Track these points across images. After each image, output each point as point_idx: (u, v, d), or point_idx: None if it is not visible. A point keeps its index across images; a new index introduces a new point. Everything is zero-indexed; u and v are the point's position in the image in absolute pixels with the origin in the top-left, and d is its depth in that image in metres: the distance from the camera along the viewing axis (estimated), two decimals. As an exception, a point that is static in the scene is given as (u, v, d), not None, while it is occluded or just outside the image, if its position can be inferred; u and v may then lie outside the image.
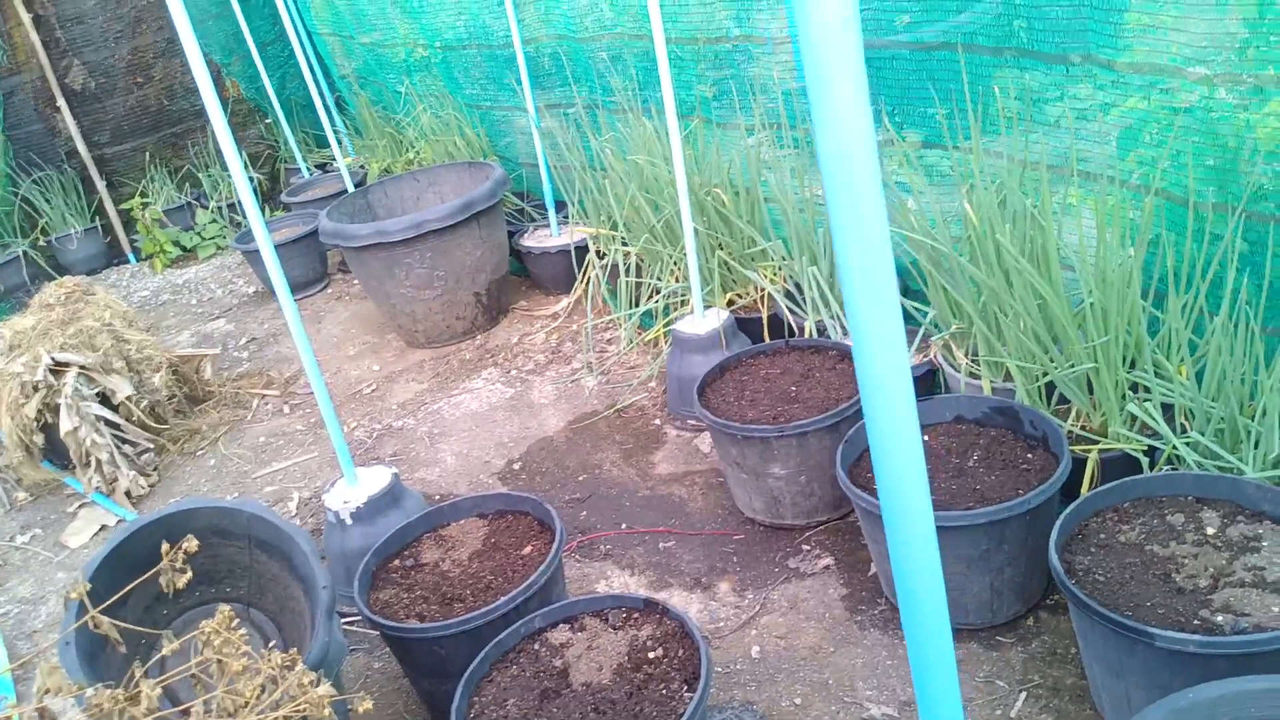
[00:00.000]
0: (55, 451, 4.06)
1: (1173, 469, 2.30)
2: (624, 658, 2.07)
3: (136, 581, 1.84)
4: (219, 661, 1.54)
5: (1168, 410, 2.41)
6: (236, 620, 1.63)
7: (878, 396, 0.76)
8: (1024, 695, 2.19)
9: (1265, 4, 2.20)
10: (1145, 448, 2.39)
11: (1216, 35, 2.31)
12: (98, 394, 3.99)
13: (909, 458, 0.77)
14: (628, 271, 4.11)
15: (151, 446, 4.12)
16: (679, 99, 3.99)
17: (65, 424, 3.82)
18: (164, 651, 1.69)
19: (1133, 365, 2.50)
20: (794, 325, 3.42)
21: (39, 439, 3.94)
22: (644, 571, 2.89)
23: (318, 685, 1.47)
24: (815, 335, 3.32)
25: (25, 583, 3.59)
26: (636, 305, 4.10)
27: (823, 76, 0.63)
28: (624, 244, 4.17)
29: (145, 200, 7.30)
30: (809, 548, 2.81)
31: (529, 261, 4.97)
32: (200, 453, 4.22)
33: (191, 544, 1.80)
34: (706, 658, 1.96)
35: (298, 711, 1.44)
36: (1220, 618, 1.84)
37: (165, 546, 1.82)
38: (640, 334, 4.14)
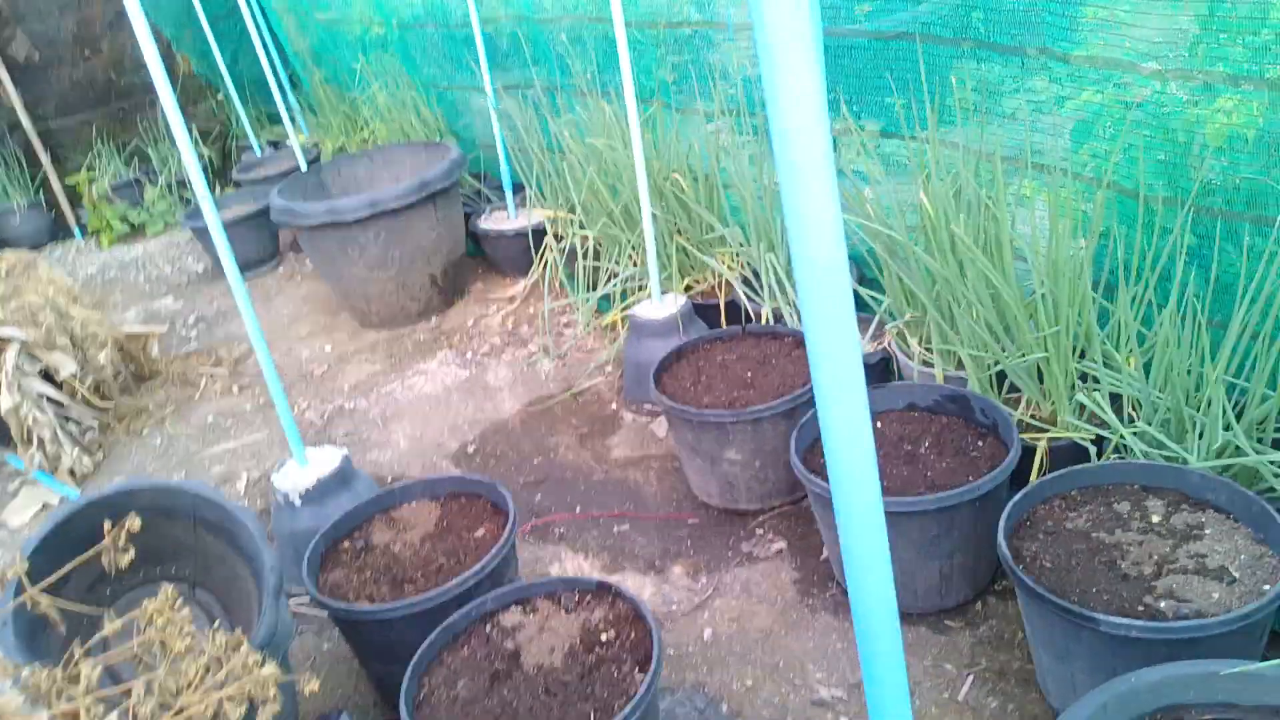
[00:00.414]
0: (-5, 429, 3.96)
1: (1120, 458, 2.34)
2: (576, 640, 2.06)
3: (77, 560, 1.80)
4: (162, 642, 1.51)
5: (1116, 400, 2.44)
6: (180, 600, 1.60)
7: (829, 381, 0.75)
8: (971, 678, 2.22)
9: (1216, 2, 2.24)
10: (1093, 437, 2.43)
11: (1169, 31, 2.34)
12: (40, 371, 3.89)
13: (859, 443, 0.77)
14: (585, 255, 4.09)
15: (96, 424, 4.04)
16: (639, 83, 3.97)
17: (6, 401, 3.73)
18: (105, 631, 1.65)
19: (1082, 355, 2.54)
20: (751, 312, 3.43)
21: (-22, 416, 3.84)
22: (598, 555, 2.88)
23: (263, 665, 1.44)
24: (772, 322, 3.33)
25: (-38, 563, 3.50)
26: (594, 289, 4.08)
27: (775, 50, 0.62)
28: (582, 228, 4.15)
29: (92, 175, 7.13)
30: (762, 532, 2.82)
31: (486, 244, 4.93)
32: (146, 432, 4.13)
33: (134, 523, 1.76)
34: (658, 640, 1.96)
35: (242, 691, 1.41)
36: (1163, 604, 1.87)
37: (107, 525, 1.78)
38: (598, 318, 4.13)
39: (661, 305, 3.46)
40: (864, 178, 3.14)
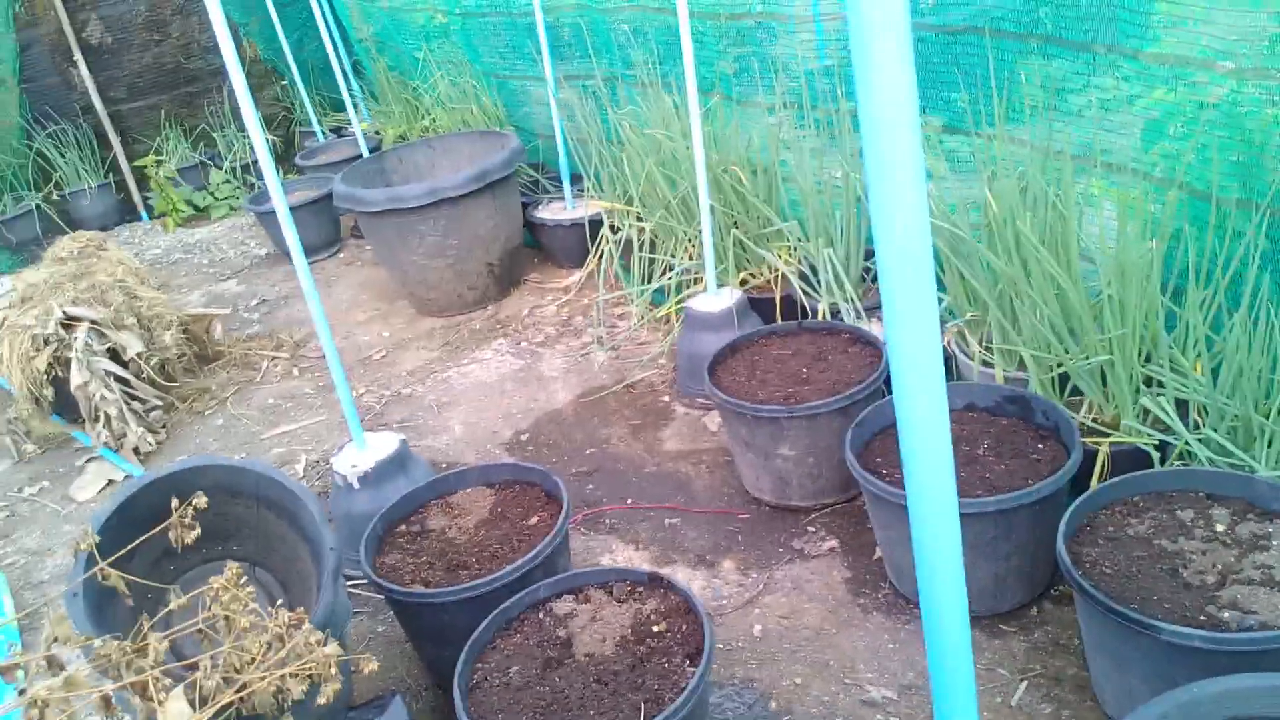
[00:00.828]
0: (65, 405, 4.08)
1: (1184, 465, 2.29)
2: (627, 630, 2.07)
3: (146, 535, 1.85)
4: (226, 618, 1.55)
5: (1181, 406, 2.39)
6: (244, 577, 1.64)
7: (909, 378, 0.75)
8: (1025, 684, 2.20)
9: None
10: (1157, 442, 2.38)
11: (1246, 29, 2.28)
12: (108, 350, 3.99)
13: (937, 443, 0.77)
14: (641, 247, 4.09)
15: (160, 404, 4.13)
16: (699, 75, 3.96)
17: (75, 378, 3.83)
18: (171, 606, 1.70)
19: (1148, 359, 2.49)
20: (807, 307, 3.41)
21: (49, 392, 3.95)
22: (648, 547, 2.89)
23: (325, 644, 1.47)
24: (829, 318, 3.31)
25: (32, 534, 3.61)
26: (649, 281, 4.08)
27: (867, 39, 0.62)
28: (639, 219, 4.15)
29: (159, 158, 7.29)
30: (814, 529, 2.81)
31: (542, 234, 4.96)
32: (209, 412, 4.23)
33: (201, 500, 1.81)
34: (710, 633, 1.96)
35: (304, 669, 1.45)
36: (1227, 614, 1.83)
37: (175, 502, 1.83)
38: (652, 310, 4.13)
39: (717, 298, 3.45)
40: (928, 174, 3.10)
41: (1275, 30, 2.25)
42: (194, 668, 1.55)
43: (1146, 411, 2.44)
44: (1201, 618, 1.84)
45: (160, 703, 1.39)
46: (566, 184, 4.87)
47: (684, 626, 2.06)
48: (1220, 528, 2.04)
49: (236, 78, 2.45)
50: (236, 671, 1.52)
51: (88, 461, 3.97)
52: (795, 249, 3.62)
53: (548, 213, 4.92)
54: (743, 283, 3.78)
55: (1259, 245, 2.28)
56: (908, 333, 0.73)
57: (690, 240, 3.91)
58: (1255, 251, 2.27)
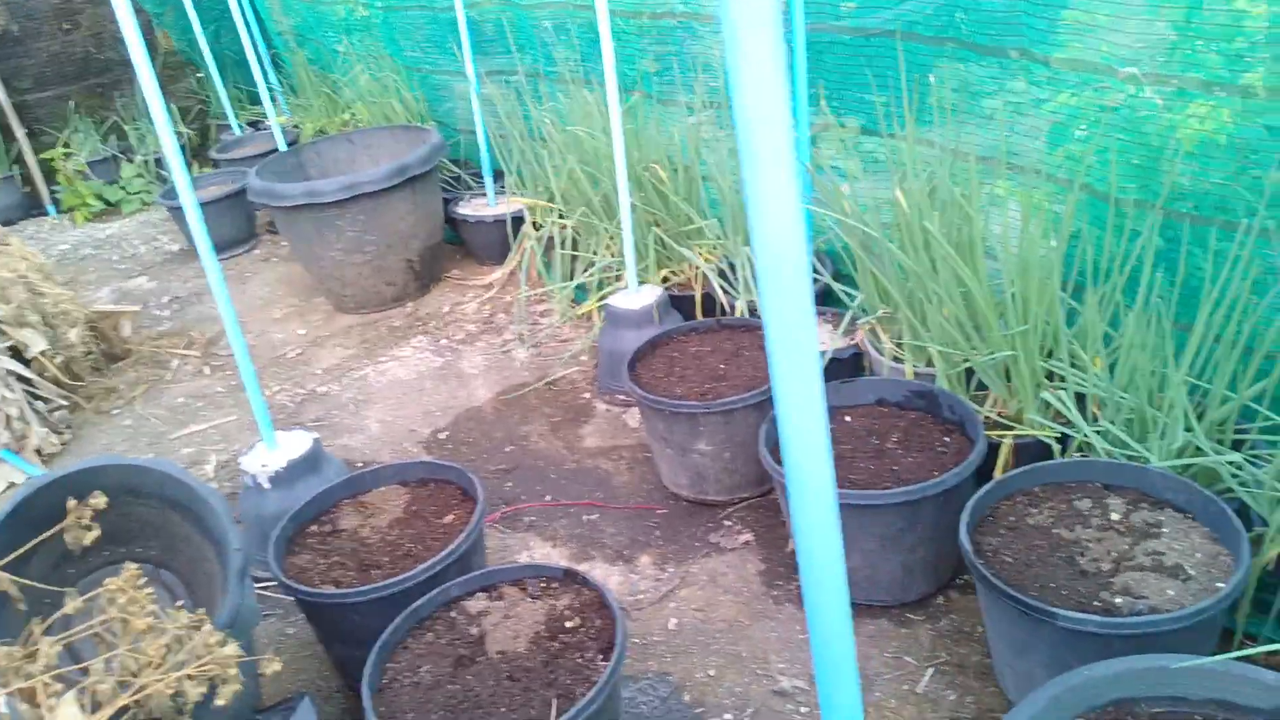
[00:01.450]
0: (-38, 405, 3.92)
1: (1083, 456, 2.37)
2: (541, 627, 2.07)
3: (40, 537, 1.79)
4: (123, 620, 1.51)
5: (1081, 399, 2.47)
6: (143, 579, 1.60)
7: (785, 370, 0.76)
8: (931, 671, 2.25)
9: (1193, 8, 2.26)
10: (1058, 435, 2.45)
11: (1147, 37, 2.36)
12: (9, 348, 3.85)
13: (814, 435, 0.78)
14: (563, 244, 4.09)
15: (65, 403, 4.00)
16: (621, 73, 3.96)
17: (-27, 377, 3.69)
18: (66, 609, 1.65)
19: (1050, 354, 2.56)
20: (726, 304, 3.44)
21: (-55, 392, 3.80)
22: (567, 543, 2.89)
23: (224, 645, 1.44)
24: (747, 315, 3.34)
25: (-74, 539, 3.47)
26: (571, 278, 4.08)
27: (740, 36, 0.63)
28: (561, 216, 4.15)
29: (68, 151, 7.05)
30: (730, 523, 2.84)
31: (464, 230, 4.92)
32: (116, 412, 4.11)
33: (99, 500, 1.76)
34: (622, 628, 1.97)
35: (203, 671, 1.42)
36: (1120, 600, 1.90)
37: (71, 503, 1.78)
38: (574, 308, 4.13)
39: (638, 296, 3.46)
40: (842, 174, 3.16)
41: (1174, 38, 2.34)
42: (88, 672, 1.51)
43: (1048, 405, 2.51)
44: (1096, 603, 1.90)
45: (50, 709, 1.35)
46: (489, 180, 4.84)
47: (598, 622, 2.06)
48: (1115, 516, 2.11)
49: (144, 70, 2.38)
50: (134, 675, 1.48)
51: (-12, 463, 3.83)
52: (715, 247, 3.65)
53: (470, 209, 4.88)
54: (664, 280, 3.80)
55: (1154, 244, 2.36)
56: (783, 331, 0.74)
57: (612, 237, 3.92)
58: (1150, 250, 2.35)
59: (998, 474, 2.43)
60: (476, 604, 2.16)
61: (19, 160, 7.20)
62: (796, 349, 0.74)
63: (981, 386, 2.69)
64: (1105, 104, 2.50)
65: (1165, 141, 2.37)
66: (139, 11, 7.36)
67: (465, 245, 5.05)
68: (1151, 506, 2.12)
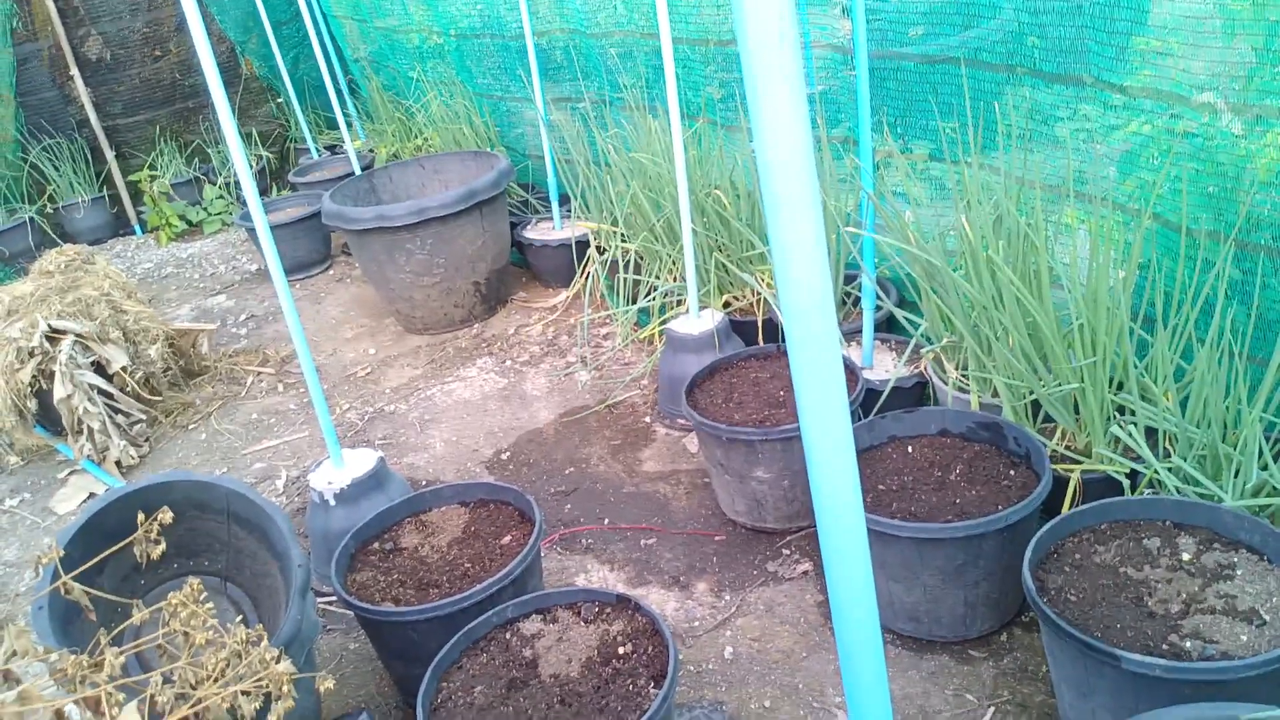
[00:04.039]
0: (48, 418, 4.08)
1: (1154, 493, 2.30)
2: (594, 651, 2.08)
3: (110, 550, 1.85)
4: (184, 633, 1.55)
5: (1151, 434, 2.41)
6: (205, 593, 1.64)
7: (809, 398, 0.76)
8: (992, 710, 2.20)
9: (1272, 35, 2.21)
10: (1127, 470, 2.39)
11: (1223, 64, 2.31)
12: (93, 363, 4.00)
13: (843, 474, 0.78)
14: (626, 268, 4.12)
15: (144, 418, 4.14)
16: (686, 99, 4.00)
17: (59, 391, 3.84)
18: (133, 620, 1.70)
19: (1119, 388, 2.50)
20: (788, 330, 3.42)
21: (32, 404, 3.95)
22: (624, 567, 2.89)
23: (279, 662, 1.47)
24: (808, 341, 3.32)
25: (11, 546, 3.60)
26: (634, 302, 4.10)
27: (760, 89, 0.64)
28: (624, 240, 4.18)
29: (154, 173, 7.32)
30: (789, 552, 2.82)
31: (530, 254, 4.98)
32: (192, 426, 4.23)
33: (166, 515, 1.80)
34: (674, 655, 1.96)
35: (258, 686, 1.45)
36: (1189, 643, 1.84)
37: (140, 517, 1.83)
38: (636, 331, 4.15)
39: (699, 320, 3.47)
40: (906, 200, 3.13)
41: (1253, 64, 2.28)
42: (151, 683, 1.55)
43: (1117, 440, 2.45)
44: (1164, 646, 1.84)
45: (112, 718, 1.39)
46: (555, 204, 4.90)
47: (650, 648, 2.06)
48: (1186, 556, 2.04)
49: (218, 96, 2.47)
50: (193, 687, 1.52)
51: (69, 474, 3.97)
52: (778, 273, 3.64)
53: (536, 233, 4.94)
54: (725, 305, 3.80)
55: (1228, 275, 2.30)
56: (811, 381, 0.74)
57: (674, 262, 3.93)
58: (1224, 282, 2.29)
59: (1065, 510, 2.38)
60: (531, 626, 2.18)
61: (108, 182, 7.49)
62: (821, 378, 0.74)
63: (1048, 419, 2.64)
64: (1178, 131, 2.44)
65: (1241, 170, 2.31)
66: (223, 40, 7.63)
67: (531, 268, 5.11)
68: (1224, 547, 2.05)
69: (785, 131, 0.64)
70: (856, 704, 0.89)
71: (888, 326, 3.37)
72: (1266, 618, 1.86)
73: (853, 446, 0.78)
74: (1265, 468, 2.13)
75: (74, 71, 7.22)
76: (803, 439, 0.79)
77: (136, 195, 7.44)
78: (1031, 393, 2.58)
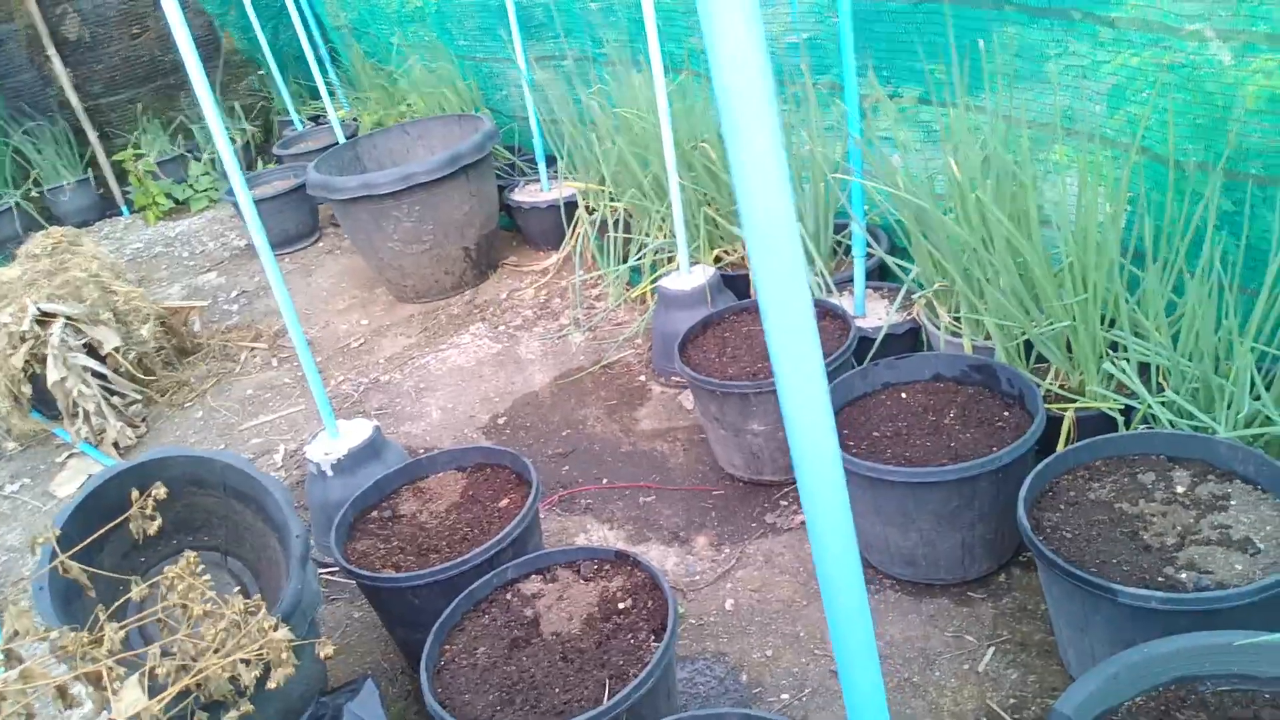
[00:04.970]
0: (44, 402, 4.07)
1: (1148, 428, 2.30)
2: (594, 608, 2.09)
3: (106, 527, 1.85)
4: (182, 606, 1.55)
5: (1144, 370, 2.40)
6: (202, 567, 1.64)
7: (780, 337, 0.75)
8: (992, 650, 2.21)
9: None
10: (1121, 407, 2.39)
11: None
12: (85, 345, 3.99)
13: (816, 417, 0.77)
14: (616, 227, 4.09)
15: (139, 398, 4.13)
16: (669, 52, 3.94)
17: (52, 374, 3.83)
18: (131, 595, 1.71)
19: (1111, 324, 2.50)
20: (779, 282, 3.40)
21: (27, 389, 3.94)
22: (623, 525, 2.90)
23: (277, 630, 1.48)
24: (800, 292, 3.30)
25: (13, 531, 3.62)
26: (624, 261, 4.08)
27: (715, 13, 0.62)
28: (612, 199, 4.15)
29: (138, 152, 7.25)
30: (786, 503, 2.82)
31: (519, 216, 4.94)
32: (188, 405, 4.23)
33: (160, 491, 1.81)
34: (674, 609, 1.97)
35: (257, 655, 1.46)
36: (1184, 575, 1.85)
37: (135, 493, 1.83)
38: (628, 290, 4.13)
39: (689, 276, 3.45)
40: (894, 145, 3.10)
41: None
42: (151, 656, 1.56)
43: (1110, 376, 2.45)
44: (1160, 579, 1.85)
45: (114, 691, 1.40)
46: (542, 166, 4.85)
47: (650, 603, 2.07)
48: (1180, 489, 2.05)
49: (195, 72, 2.43)
50: (193, 659, 1.53)
51: (68, 457, 3.97)
52: (767, 225, 3.61)
53: (524, 195, 4.91)
54: (716, 260, 3.78)
55: (1218, 207, 2.28)
56: (778, 314, 0.73)
57: (663, 218, 3.91)
58: (1213, 213, 2.27)
59: (1060, 448, 2.38)
60: (531, 586, 2.19)
61: (92, 163, 7.43)
62: (790, 316, 0.73)
63: (1042, 359, 2.63)
64: (1165, 63, 2.41)
65: (1229, 100, 2.29)
66: (201, 13, 7.53)
67: (521, 231, 5.08)
68: (1219, 478, 2.05)
69: (742, 56, 0.62)
70: (841, 638, 0.90)
71: (879, 275, 3.35)
72: (1261, 546, 1.86)
73: (825, 387, 0.78)
74: (1258, 398, 2.13)
75: (51, 52, 7.12)
76: (774, 371, 0.78)
77: (122, 175, 7.38)
78: (1024, 333, 2.57)
